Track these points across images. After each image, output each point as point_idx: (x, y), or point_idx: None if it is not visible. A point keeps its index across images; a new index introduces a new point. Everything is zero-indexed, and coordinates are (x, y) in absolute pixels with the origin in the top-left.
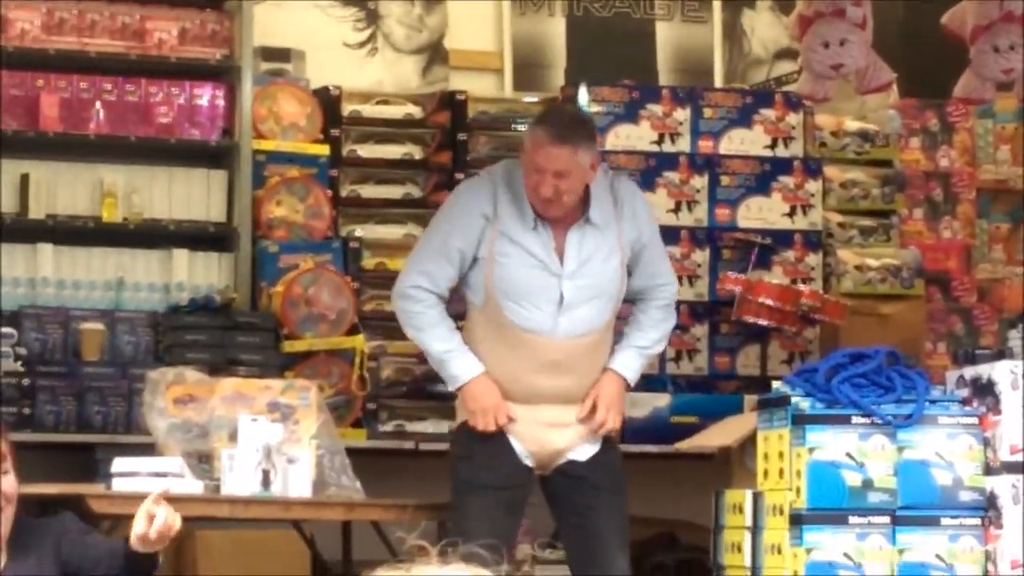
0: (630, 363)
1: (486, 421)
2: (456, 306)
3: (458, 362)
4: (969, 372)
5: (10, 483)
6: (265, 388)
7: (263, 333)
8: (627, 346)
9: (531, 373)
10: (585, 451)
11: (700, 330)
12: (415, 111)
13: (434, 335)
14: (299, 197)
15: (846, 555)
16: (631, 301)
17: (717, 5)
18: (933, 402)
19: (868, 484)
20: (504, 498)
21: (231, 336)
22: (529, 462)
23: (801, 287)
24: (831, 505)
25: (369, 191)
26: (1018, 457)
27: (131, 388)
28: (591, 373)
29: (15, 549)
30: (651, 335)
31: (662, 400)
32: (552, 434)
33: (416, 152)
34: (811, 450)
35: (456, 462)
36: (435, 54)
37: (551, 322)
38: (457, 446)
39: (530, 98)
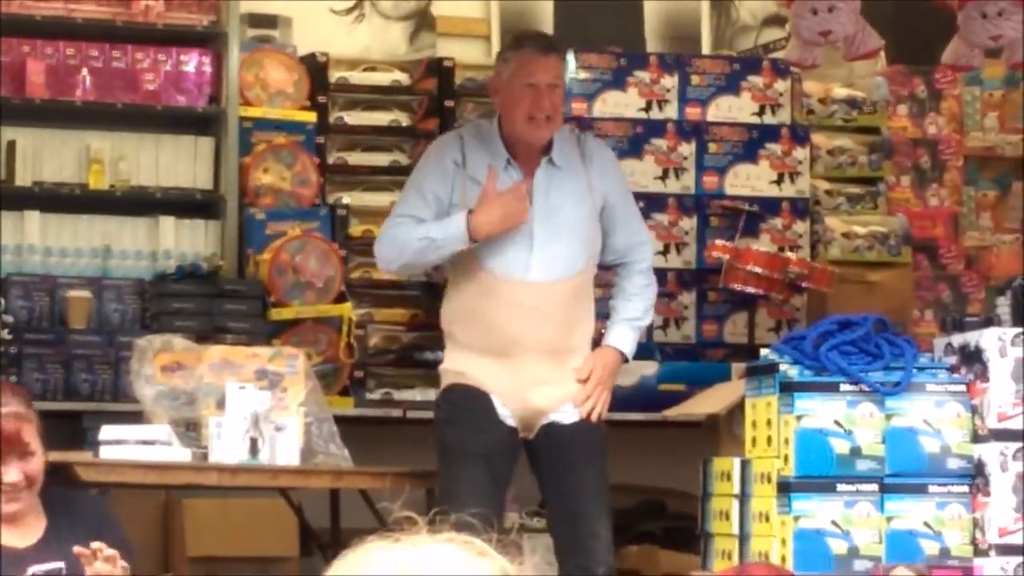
0: (624, 337)
1: (518, 208)
2: (438, 275)
3: (447, 228)
4: (957, 339)
5: (36, 464)
6: (253, 356)
7: (250, 301)
8: (618, 321)
9: (509, 322)
10: (568, 414)
11: (688, 298)
12: (402, 78)
13: (417, 234)
14: (286, 164)
15: (834, 523)
16: (611, 267)
17: None
18: (921, 369)
19: (856, 452)
20: (491, 464)
21: (218, 304)
22: (513, 423)
23: (789, 254)
24: (819, 473)
25: (356, 158)
26: (1006, 424)
27: (118, 356)
28: (570, 324)
29: (55, 520)
30: (639, 305)
31: (650, 368)
32: (534, 392)
33: (403, 119)
34: (799, 418)
35: (441, 428)
36: (422, 20)
37: (524, 264)
38: (442, 412)
39: None
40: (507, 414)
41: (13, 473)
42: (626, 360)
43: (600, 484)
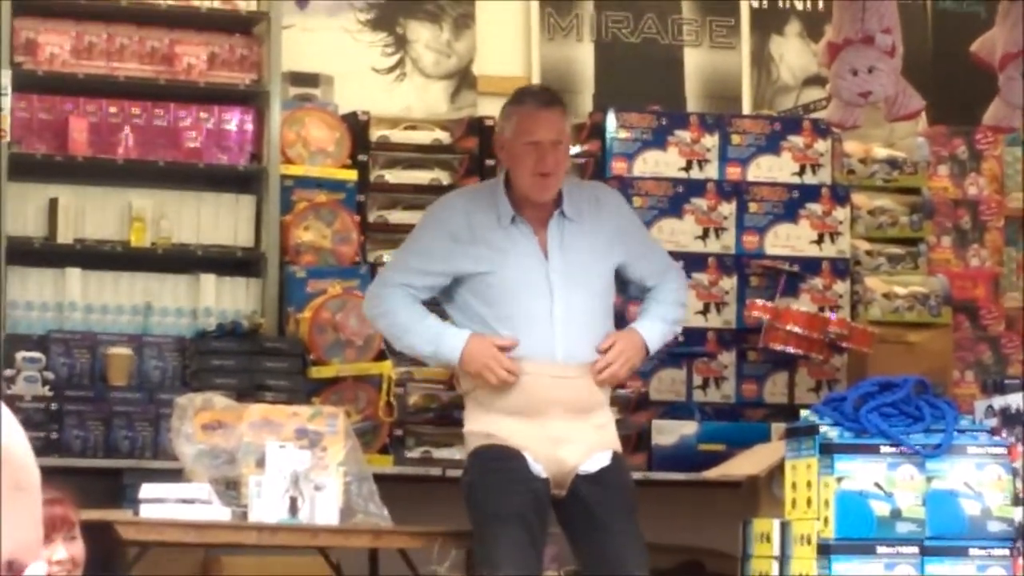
0: (652, 328)
1: (495, 375)
2: None
3: (446, 344)
4: (998, 401)
5: (79, 549)
6: (293, 415)
7: (290, 359)
8: (648, 315)
9: (535, 388)
10: (594, 462)
11: (727, 358)
12: (443, 136)
13: (414, 336)
14: (327, 222)
15: None
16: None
17: (746, 31)
18: (962, 432)
19: (896, 514)
20: (528, 524)
21: (258, 361)
22: (546, 477)
23: (829, 315)
24: (859, 535)
25: (397, 216)
26: None
27: (158, 413)
28: (593, 384)
29: None
30: (670, 310)
31: (689, 428)
32: (563, 450)
33: (444, 178)
34: (839, 479)
35: (475, 491)
36: (463, 79)
37: (550, 347)
38: (474, 474)
39: None
40: (540, 470)
41: (61, 551)
42: (647, 353)
43: (633, 536)
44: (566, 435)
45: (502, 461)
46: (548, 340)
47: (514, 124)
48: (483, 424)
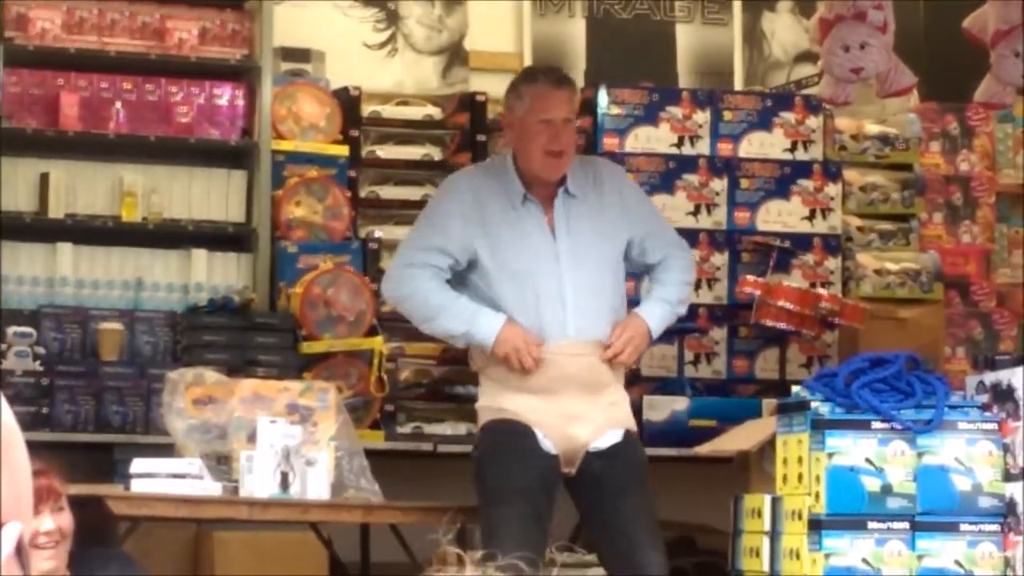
0: (654, 311)
1: (521, 362)
2: None
3: (482, 326)
4: (989, 377)
5: (67, 520)
6: (284, 390)
7: (282, 334)
8: (651, 298)
9: (547, 365)
10: (606, 439)
11: (719, 333)
12: (435, 112)
13: (448, 316)
14: (318, 198)
15: (865, 561)
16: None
17: (737, 7)
18: (953, 407)
19: (887, 489)
20: (535, 500)
21: (249, 337)
22: (556, 454)
23: (820, 291)
24: (850, 510)
25: (388, 192)
26: None
27: (149, 388)
28: (604, 364)
29: None
30: (676, 292)
31: (680, 403)
32: (574, 427)
33: (435, 153)
34: (830, 455)
35: (483, 466)
36: (455, 55)
37: (560, 324)
38: (483, 449)
39: None
40: (550, 446)
41: (48, 522)
42: (651, 338)
43: (646, 514)
44: (578, 412)
45: (512, 436)
46: (560, 318)
47: (527, 103)
48: (496, 399)
